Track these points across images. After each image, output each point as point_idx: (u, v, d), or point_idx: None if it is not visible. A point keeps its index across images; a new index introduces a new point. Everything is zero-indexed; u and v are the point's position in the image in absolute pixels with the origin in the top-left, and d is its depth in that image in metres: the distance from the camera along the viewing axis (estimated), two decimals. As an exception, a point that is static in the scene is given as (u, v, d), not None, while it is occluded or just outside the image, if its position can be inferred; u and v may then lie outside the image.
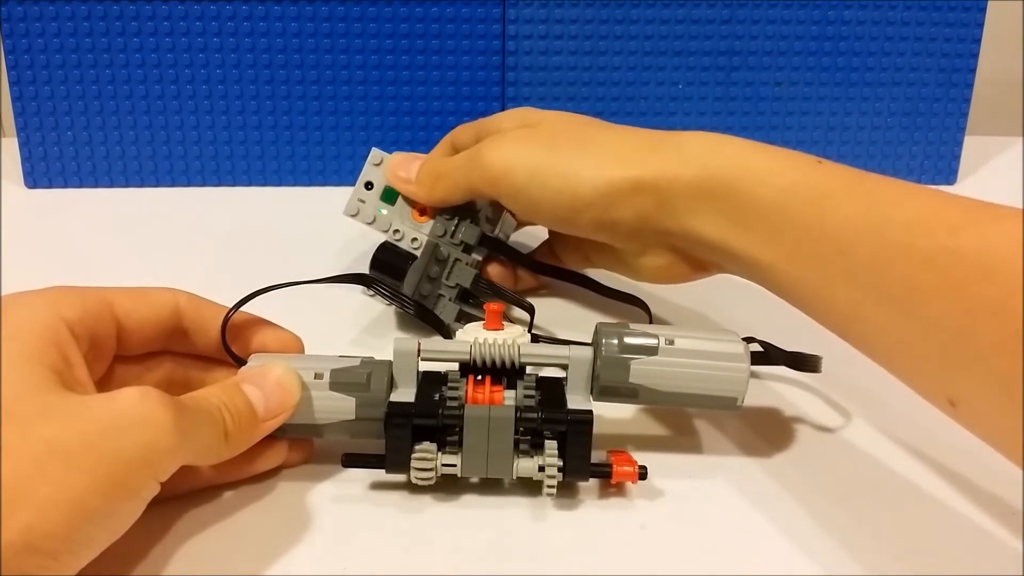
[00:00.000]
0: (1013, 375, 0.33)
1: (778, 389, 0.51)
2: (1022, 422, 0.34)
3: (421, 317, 0.53)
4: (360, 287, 0.59)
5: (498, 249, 0.57)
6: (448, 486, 0.42)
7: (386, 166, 0.56)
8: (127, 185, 0.76)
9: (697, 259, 0.49)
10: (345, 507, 0.41)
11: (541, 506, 0.41)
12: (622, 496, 0.42)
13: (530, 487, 0.42)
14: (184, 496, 0.41)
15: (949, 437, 0.46)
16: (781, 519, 0.41)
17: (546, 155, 0.49)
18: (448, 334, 0.52)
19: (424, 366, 0.43)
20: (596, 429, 0.40)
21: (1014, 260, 0.34)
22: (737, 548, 0.40)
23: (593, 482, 0.43)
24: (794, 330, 0.47)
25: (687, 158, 0.45)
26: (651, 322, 0.55)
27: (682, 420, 0.48)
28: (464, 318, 0.55)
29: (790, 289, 0.43)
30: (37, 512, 0.30)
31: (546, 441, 0.41)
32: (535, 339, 0.52)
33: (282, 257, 0.64)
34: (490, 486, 0.42)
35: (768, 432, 0.47)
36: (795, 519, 0.41)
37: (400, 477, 0.42)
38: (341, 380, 0.41)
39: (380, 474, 0.41)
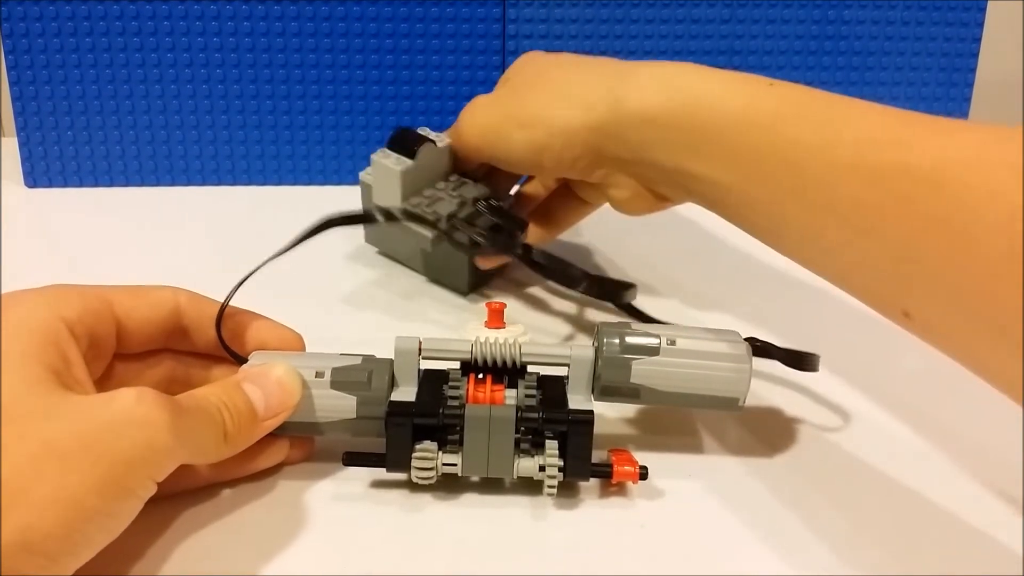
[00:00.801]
0: (963, 286, 0.34)
1: (779, 389, 0.50)
2: (972, 332, 0.35)
3: (411, 220, 0.54)
4: (361, 282, 0.59)
5: (498, 213, 0.57)
6: (449, 485, 0.42)
7: None
8: (127, 185, 0.76)
9: (658, 189, 0.50)
10: (346, 505, 0.41)
11: (542, 506, 0.41)
12: (623, 496, 0.42)
13: (531, 487, 0.42)
14: (184, 494, 0.41)
15: (949, 436, 0.47)
16: (781, 519, 0.41)
17: (508, 111, 0.52)
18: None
19: (425, 365, 0.43)
20: (597, 429, 0.40)
21: (964, 173, 0.34)
22: (737, 548, 0.40)
23: (594, 481, 0.43)
24: (794, 330, 0.47)
25: (639, 90, 0.46)
26: (633, 301, 0.56)
27: (683, 420, 0.48)
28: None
29: (746, 211, 0.44)
30: (36, 511, 0.30)
31: (547, 441, 0.41)
32: (536, 266, 0.54)
33: (282, 256, 0.64)
34: (491, 485, 0.42)
35: (769, 433, 0.47)
36: (795, 519, 0.41)
37: (401, 476, 0.42)
38: (342, 379, 0.41)
39: (381, 473, 0.41)
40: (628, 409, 0.48)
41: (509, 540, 0.40)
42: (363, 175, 0.60)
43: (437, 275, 0.61)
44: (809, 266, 0.42)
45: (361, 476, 0.43)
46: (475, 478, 0.43)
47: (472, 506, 0.42)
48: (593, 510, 0.42)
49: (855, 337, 0.55)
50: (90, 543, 0.32)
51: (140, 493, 0.34)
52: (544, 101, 0.51)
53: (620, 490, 0.43)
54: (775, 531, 0.41)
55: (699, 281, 0.62)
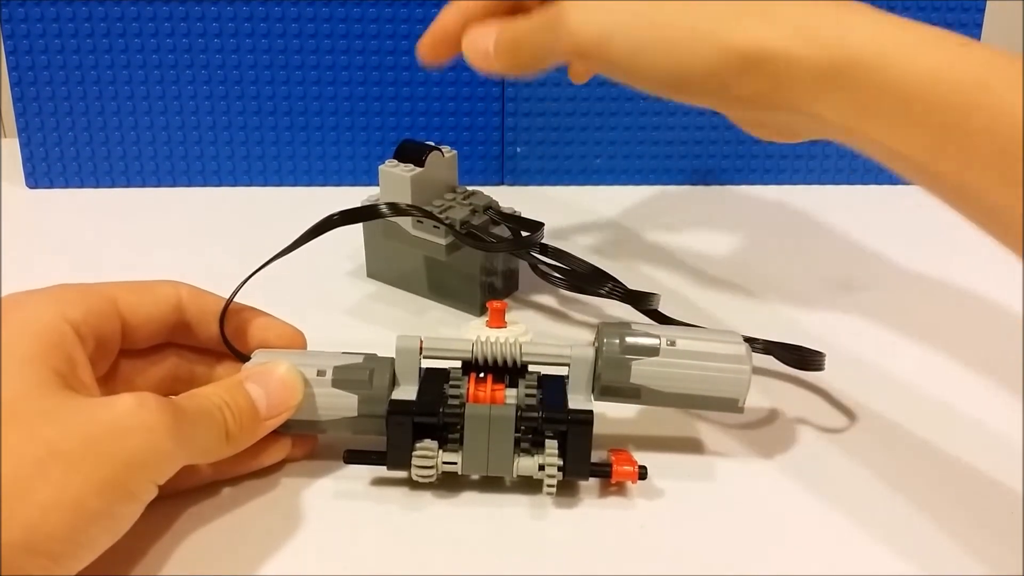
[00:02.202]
0: None
1: (780, 390, 0.51)
2: None
3: (423, 216, 0.52)
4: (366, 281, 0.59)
5: (511, 220, 0.57)
6: (449, 484, 0.42)
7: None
8: (128, 185, 0.76)
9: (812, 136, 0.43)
10: (346, 503, 0.42)
11: (541, 505, 0.42)
12: (622, 496, 0.43)
13: (530, 486, 0.42)
14: (186, 492, 0.41)
15: (950, 438, 0.47)
16: (780, 520, 0.41)
17: (646, 20, 0.40)
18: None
19: (427, 363, 0.43)
20: (597, 428, 0.40)
21: None
22: (736, 548, 0.40)
23: (593, 481, 0.43)
24: (796, 330, 0.47)
25: (808, 34, 0.37)
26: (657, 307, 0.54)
27: (683, 420, 0.48)
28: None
29: (931, 180, 0.38)
30: (39, 512, 0.31)
31: (546, 440, 0.41)
32: (543, 249, 0.54)
33: (284, 263, 0.64)
34: (491, 484, 0.43)
35: (769, 433, 0.47)
36: (794, 520, 0.41)
37: (401, 474, 0.42)
38: (344, 377, 0.41)
39: (382, 471, 0.42)
40: (628, 409, 0.48)
41: (508, 539, 0.40)
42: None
43: (446, 298, 0.59)
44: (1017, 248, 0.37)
45: (362, 474, 0.43)
46: (475, 477, 0.43)
47: (472, 505, 0.42)
48: (592, 510, 0.42)
49: (859, 338, 0.56)
50: (93, 544, 0.33)
51: (142, 496, 0.34)
52: (699, 23, 0.39)
53: (619, 490, 0.43)
54: (774, 531, 0.41)
55: (701, 281, 0.62)
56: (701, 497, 0.43)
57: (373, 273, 0.62)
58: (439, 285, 0.59)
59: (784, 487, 0.43)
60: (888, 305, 0.59)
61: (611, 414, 0.47)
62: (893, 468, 0.45)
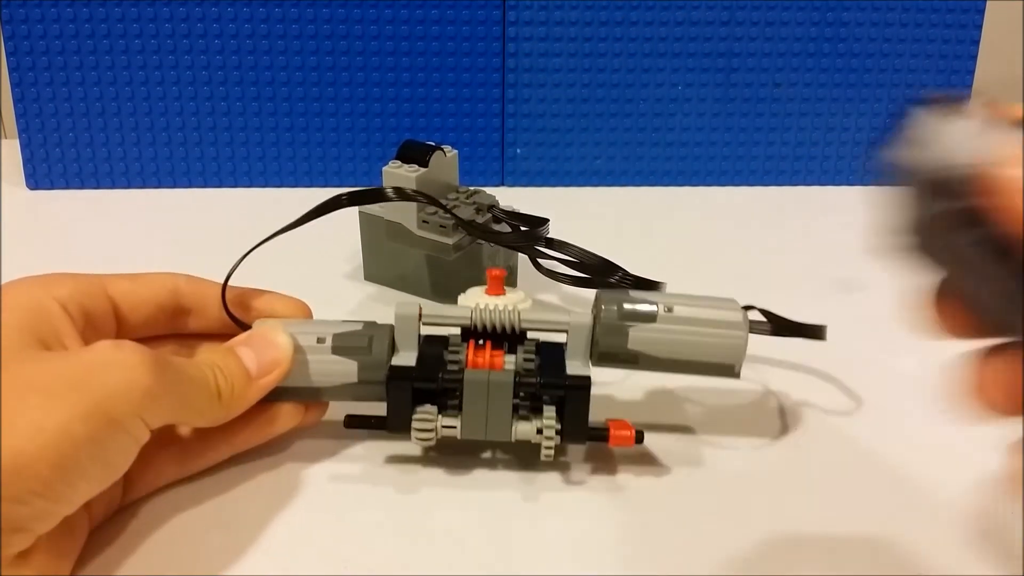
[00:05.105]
0: None
1: (783, 378, 0.50)
2: None
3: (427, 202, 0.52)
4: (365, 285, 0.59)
5: (516, 217, 0.57)
6: (447, 482, 0.42)
7: None
8: (128, 186, 0.77)
9: None
10: (342, 487, 0.42)
11: (539, 500, 0.42)
12: (621, 489, 0.42)
13: (529, 482, 0.42)
14: (180, 483, 0.41)
15: (952, 431, 0.46)
16: (783, 516, 0.41)
17: None
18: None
19: (426, 330, 0.43)
20: (595, 415, 0.41)
21: None
22: (738, 544, 0.39)
23: (594, 477, 0.43)
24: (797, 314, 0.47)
25: None
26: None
27: (685, 411, 0.48)
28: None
29: None
30: (24, 437, 0.31)
31: (544, 406, 0.41)
32: (548, 243, 0.53)
33: (283, 258, 0.64)
34: (489, 477, 0.43)
35: (772, 423, 0.47)
36: (798, 513, 0.41)
37: (401, 452, 0.42)
38: (343, 344, 0.42)
39: (378, 454, 0.42)
40: (630, 397, 0.48)
41: (505, 538, 0.40)
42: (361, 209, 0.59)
43: (448, 299, 0.58)
44: None
45: (360, 456, 0.43)
46: (476, 469, 0.43)
47: (469, 502, 0.42)
48: (591, 505, 0.41)
49: (860, 338, 0.55)
50: (84, 473, 0.33)
51: (130, 428, 0.34)
52: None
53: (618, 483, 0.43)
54: (777, 526, 0.40)
55: (701, 263, 0.62)
56: (703, 489, 0.42)
57: (371, 275, 0.62)
58: (441, 286, 0.59)
59: (787, 478, 0.43)
60: (889, 305, 0.59)
61: (612, 406, 0.47)
62: (895, 461, 0.44)
